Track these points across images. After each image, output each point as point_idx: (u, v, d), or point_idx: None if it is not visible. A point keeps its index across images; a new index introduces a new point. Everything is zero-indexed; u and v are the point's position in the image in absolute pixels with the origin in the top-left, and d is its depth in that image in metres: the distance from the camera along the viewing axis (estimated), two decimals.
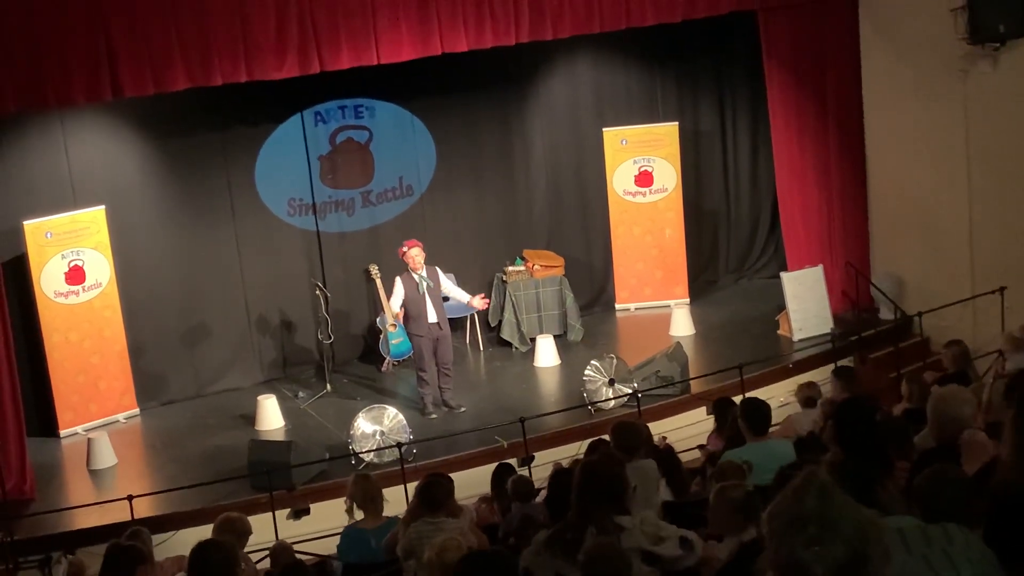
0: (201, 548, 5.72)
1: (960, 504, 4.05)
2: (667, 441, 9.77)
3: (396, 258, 12.33)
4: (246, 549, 7.23)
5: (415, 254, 11.77)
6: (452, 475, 8.56)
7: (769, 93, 13.69)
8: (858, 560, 2.70)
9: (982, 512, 4.00)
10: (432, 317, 11.79)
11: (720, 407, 9.31)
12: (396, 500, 9.04)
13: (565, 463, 8.82)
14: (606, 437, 9.50)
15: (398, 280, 11.81)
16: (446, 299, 12.27)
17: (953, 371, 9.46)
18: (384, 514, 7.53)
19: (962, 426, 5.98)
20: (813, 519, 2.72)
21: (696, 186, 15.26)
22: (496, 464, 9.50)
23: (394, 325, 12.75)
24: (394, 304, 11.85)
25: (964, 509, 4.00)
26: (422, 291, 11.74)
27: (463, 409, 12.09)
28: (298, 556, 8.10)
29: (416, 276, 11.75)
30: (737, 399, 9.15)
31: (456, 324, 14.13)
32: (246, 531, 7.15)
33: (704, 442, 10.02)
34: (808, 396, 9.63)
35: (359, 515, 7.57)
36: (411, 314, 11.79)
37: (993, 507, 4.04)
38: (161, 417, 12.74)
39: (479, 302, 12.17)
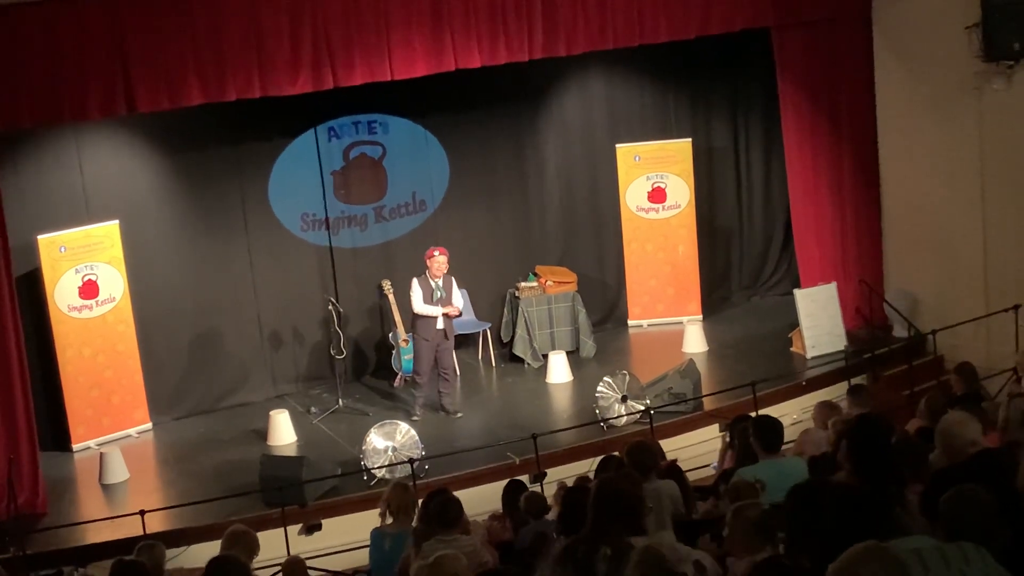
0: (217, 563, 5.70)
1: (983, 525, 4.03)
2: (675, 462, 9.73)
3: (408, 274, 12.40)
4: (255, 565, 7.22)
5: (443, 261, 12.12)
6: (464, 491, 8.59)
7: (783, 110, 13.68)
8: None
9: (1005, 534, 3.99)
10: (440, 324, 12.10)
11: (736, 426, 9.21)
12: None
13: (569, 483, 8.80)
14: (618, 453, 9.52)
15: (415, 281, 12.11)
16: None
17: (963, 392, 9.39)
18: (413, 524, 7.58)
19: (970, 447, 5.99)
20: None
21: (709, 203, 15.24)
22: (508, 480, 9.48)
23: (406, 340, 12.78)
24: (416, 305, 12.06)
25: (987, 530, 3.98)
26: (436, 299, 12.02)
27: (460, 415, 12.35)
28: (311, 572, 8.10)
29: (433, 283, 12.02)
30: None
31: (469, 340, 14.15)
32: (254, 548, 7.13)
33: (715, 460, 10.00)
34: (827, 419, 9.43)
35: (389, 521, 7.62)
36: (420, 318, 12.08)
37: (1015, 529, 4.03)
38: (173, 431, 12.74)
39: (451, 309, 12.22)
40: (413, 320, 12.31)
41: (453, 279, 12.26)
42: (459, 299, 12.39)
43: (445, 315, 12.06)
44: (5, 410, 10.71)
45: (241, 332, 13.33)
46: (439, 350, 12.23)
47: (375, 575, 7.67)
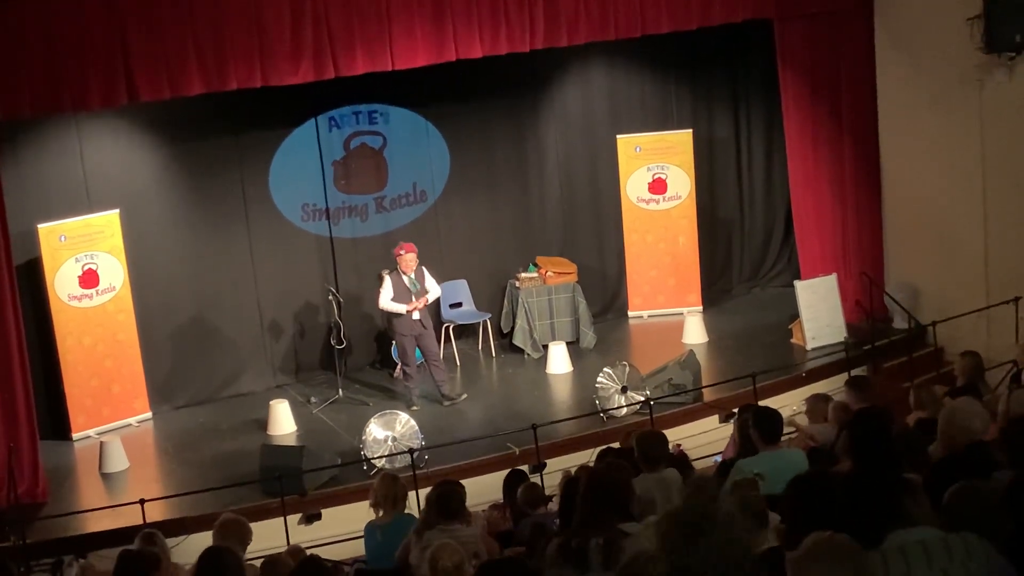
0: (210, 555, 5.68)
1: (985, 518, 4.03)
2: (681, 448, 9.75)
3: None
4: (250, 556, 7.21)
5: (411, 259, 12.20)
6: (464, 481, 8.57)
7: (784, 102, 13.65)
8: None
9: (1007, 527, 3.99)
10: (416, 315, 12.17)
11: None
12: (408, 506, 9.01)
13: (574, 471, 8.81)
14: (616, 445, 9.53)
15: (387, 279, 12.17)
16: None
17: (964, 383, 9.38)
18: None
19: (972, 438, 5.97)
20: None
21: (710, 194, 15.22)
22: (508, 471, 9.48)
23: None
24: (384, 301, 12.16)
25: (990, 524, 3.98)
26: (412, 293, 12.16)
27: (464, 396, 12.52)
28: None
29: (406, 279, 12.17)
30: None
31: (469, 330, 14.16)
32: (247, 537, 7.09)
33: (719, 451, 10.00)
34: (820, 410, 9.44)
35: (381, 512, 7.64)
36: (393, 314, 12.22)
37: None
38: (173, 421, 12.75)
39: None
40: (388, 317, 12.41)
41: (424, 269, 12.34)
42: (435, 287, 12.45)
43: (415, 308, 12.14)
44: (5, 399, 10.71)
45: (241, 322, 13.34)
46: (421, 339, 12.31)
47: (371, 565, 7.68)
